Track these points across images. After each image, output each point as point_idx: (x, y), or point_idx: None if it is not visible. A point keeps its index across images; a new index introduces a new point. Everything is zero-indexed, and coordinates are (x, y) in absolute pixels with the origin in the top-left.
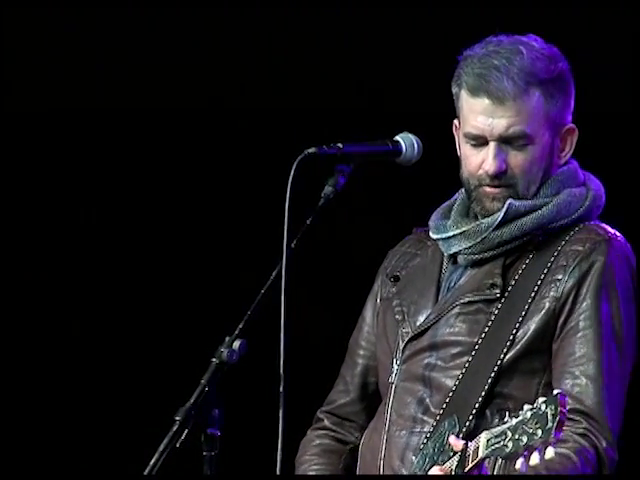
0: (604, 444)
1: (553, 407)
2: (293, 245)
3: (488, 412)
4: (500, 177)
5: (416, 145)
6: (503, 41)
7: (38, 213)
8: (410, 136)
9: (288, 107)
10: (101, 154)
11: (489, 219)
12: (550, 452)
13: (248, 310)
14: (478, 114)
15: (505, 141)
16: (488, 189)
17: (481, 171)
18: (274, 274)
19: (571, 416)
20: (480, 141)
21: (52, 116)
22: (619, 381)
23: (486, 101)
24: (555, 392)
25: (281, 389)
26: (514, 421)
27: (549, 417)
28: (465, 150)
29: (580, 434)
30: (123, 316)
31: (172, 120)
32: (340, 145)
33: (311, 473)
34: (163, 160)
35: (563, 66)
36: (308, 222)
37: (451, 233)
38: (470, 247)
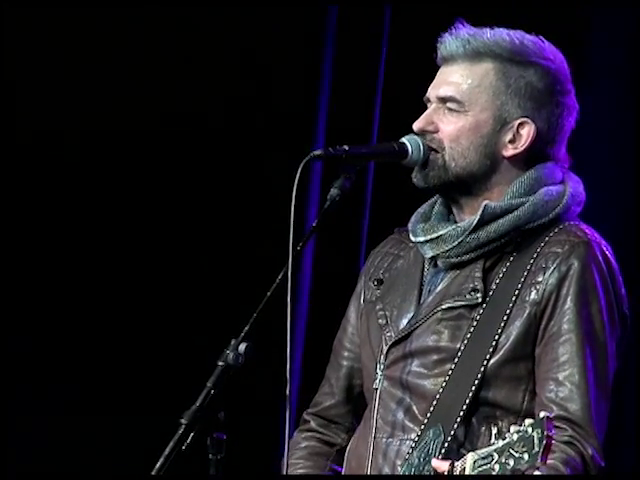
0: (590, 451)
1: (539, 431)
2: (299, 247)
3: (475, 421)
4: (427, 136)
5: (422, 147)
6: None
7: (39, 215)
8: (416, 138)
9: (295, 109)
10: (105, 155)
11: (465, 222)
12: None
13: (254, 313)
14: (434, 79)
15: (442, 102)
16: None
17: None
18: (280, 276)
19: (556, 423)
20: (429, 104)
21: (51, 117)
22: (602, 385)
23: (442, 67)
24: (541, 415)
25: (287, 392)
26: (500, 443)
27: (535, 441)
28: None
29: (565, 442)
30: (129, 319)
31: (176, 121)
32: (346, 147)
33: None
34: (168, 162)
35: (545, 64)
36: (314, 224)
37: (428, 237)
38: (447, 251)
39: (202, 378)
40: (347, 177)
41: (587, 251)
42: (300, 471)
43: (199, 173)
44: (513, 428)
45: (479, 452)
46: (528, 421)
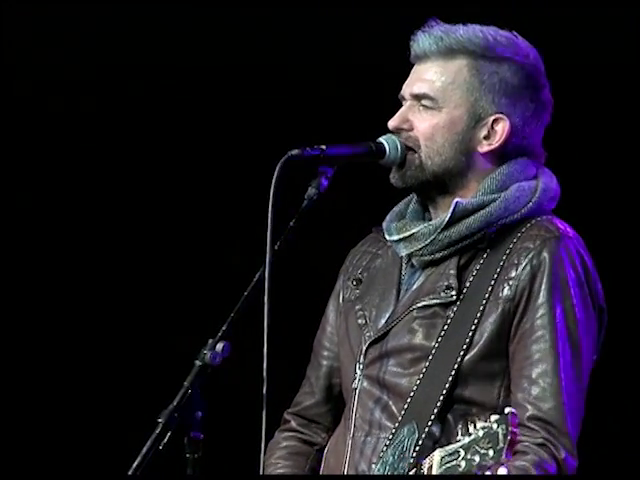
0: (563, 454)
1: (504, 427)
2: (276, 247)
3: (451, 418)
4: (403, 134)
5: (399, 147)
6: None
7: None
8: (394, 137)
9: (271, 108)
10: (87, 152)
11: (437, 220)
12: (502, 472)
13: (231, 312)
14: (408, 77)
15: (417, 100)
16: None
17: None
18: (257, 276)
19: (529, 424)
20: (404, 102)
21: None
22: (576, 383)
23: (415, 64)
24: (506, 411)
25: (264, 391)
26: (467, 440)
27: (500, 437)
28: None
29: (539, 444)
30: (106, 318)
31: (158, 118)
32: (323, 147)
33: None
34: (146, 161)
35: (520, 60)
36: (291, 224)
37: (401, 235)
38: (420, 249)
39: (179, 378)
40: (324, 176)
41: (559, 246)
42: (280, 471)
43: (179, 173)
44: (479, 424)
45: (446, 448)
46: (494, 417)
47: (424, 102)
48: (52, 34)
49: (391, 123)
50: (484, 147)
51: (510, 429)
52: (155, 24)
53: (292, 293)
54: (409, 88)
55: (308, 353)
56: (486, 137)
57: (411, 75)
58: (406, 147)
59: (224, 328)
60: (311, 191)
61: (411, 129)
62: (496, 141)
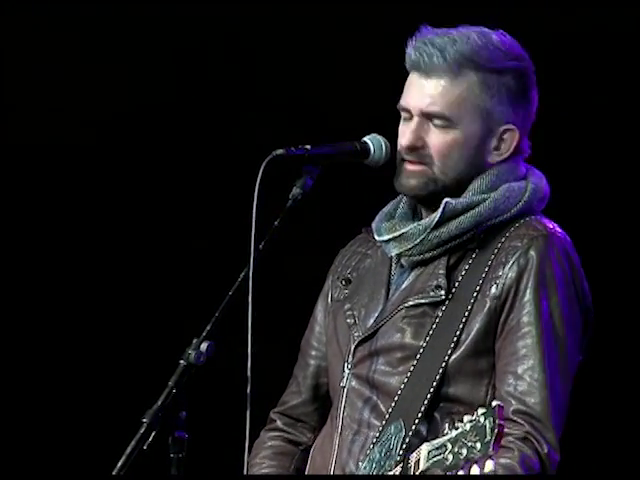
0: (546, 449)
1: (491, 419)
2: (261, 247)
3: (438, 416)
4: (415, 153)
5: (384, 146)
6: (461, 27)
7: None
8: (378, 137)
9: (256, 107)
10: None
11: (427, 220)
12: (489, 465)
13: (216, 312)
14: (410, 87)
15: (427, 118)
16: (406, 165)
17: (399, 146)
18: (242, 276)
19: (514, 418)
20: (409, 115)
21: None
22: (561, 379)
23: (418, 75)
24: (493, 404)
25: (248, 391)
26: (454, 433)
27: (487, 430)
28: (400, 124)
29: (522, 438)
30: (90, 318)
31: (146, 117)
32: (308, 146)
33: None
34: (131, 160)
35: (518, 65)
36: (276, 224)
37: (390, 236)
38: (410, 249)
39: (164, 377)
40: (309, 176)
41: (546, 244)
42: (264, 471)
43: (165, 174)
44: (466, 418)
45: (433, 442)
46: (480, 410)
47: (437, 121)
48: (49, 36)
49: (404, 142)
50: (494, 158)
51: (497, 422)
52: (141, 21)
53: (279, 293)
54: (416, 103)
55: (294, 353)
56: (496, 148)
57: (414, 87)
58: (420, 162)
59: (208, 328)
60: (296, 191)
61: (424, 147)
62: (506, 151)
